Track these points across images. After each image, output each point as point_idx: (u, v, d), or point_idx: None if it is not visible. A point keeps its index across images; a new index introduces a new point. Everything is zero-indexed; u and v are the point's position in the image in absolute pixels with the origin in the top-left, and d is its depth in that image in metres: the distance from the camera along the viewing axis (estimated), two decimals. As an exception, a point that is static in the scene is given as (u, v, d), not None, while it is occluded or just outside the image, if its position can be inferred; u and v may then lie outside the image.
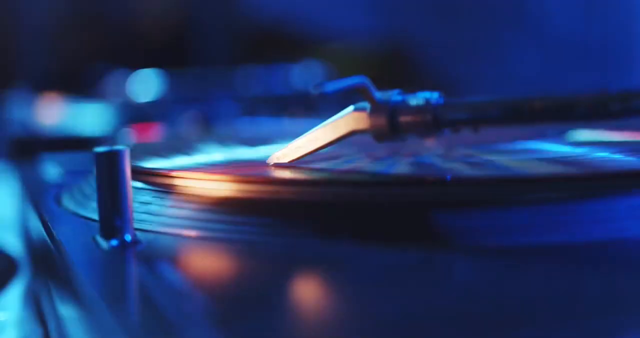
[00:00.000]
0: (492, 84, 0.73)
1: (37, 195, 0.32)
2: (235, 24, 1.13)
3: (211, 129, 0.58)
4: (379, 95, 0.26)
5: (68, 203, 0.29)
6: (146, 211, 0.25)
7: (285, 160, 0.27)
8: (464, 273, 0.19)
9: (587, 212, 0.22)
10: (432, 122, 0.26)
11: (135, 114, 0.63)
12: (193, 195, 0.25)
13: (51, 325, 0.25)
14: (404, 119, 0.26)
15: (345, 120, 0.27)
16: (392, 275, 0.19)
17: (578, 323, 0.15)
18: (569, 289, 0.17)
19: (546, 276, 0.18)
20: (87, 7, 1.14)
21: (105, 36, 1.12)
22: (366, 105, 0.26)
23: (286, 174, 0.26)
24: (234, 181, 0.24)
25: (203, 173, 0.25)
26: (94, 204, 0.23)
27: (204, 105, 0.66)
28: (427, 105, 0.26)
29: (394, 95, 0.26)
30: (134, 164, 0.23)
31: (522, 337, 0.15)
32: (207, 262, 0.21)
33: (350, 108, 0.27)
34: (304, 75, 0.84)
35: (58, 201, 0.30)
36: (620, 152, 0.28)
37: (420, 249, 0.21)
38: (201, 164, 0.30)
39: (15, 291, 0.33)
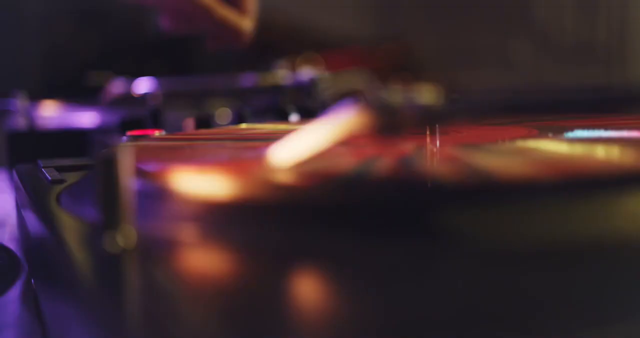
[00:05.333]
0: (490, 82, 0.74)
1: (37, 196, 0.32)
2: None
3: (211, 131, 0.58)
4: (378, 93, 0.26)
5: (67, 203, 0.29)
6: (145, 211, 0.25)
7: (284, 159, 0.27)
8: (463, 273, 0.19)
9: (586, 212, 0.22)
10: (431, 120, 0.26)
11: (135, 119, 0.63)
12: (192, 195, 0.25)
13: (51, 325, 0.25)
14: (402, 116, 0.26)
15: (344, 119, 0.27)
16: (392, 276, 0.19)
17: (578, 324, 0.15)
18: (569, 290, 0.17)
19: (546, 277, 0.18)
20: (88, 13, 1.14)
21: (107, 43, 1.12)
22: (365, 103, 0.26)
23: (285, 174, 0.26)
24: (234, 181, 0.24)
25: (203, 174, 0.25)
26: (94, 205, 0.23)
27: (205, 109, 0.66)
28: (426, 103, 0.26)
29: (393, 93, 0.26)
30: (134, 165, 0.23)
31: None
32: (206, 263, 0.21)
33: (349, 107, 0.27)
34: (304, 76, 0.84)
35: (58, 201, 0.30)
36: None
37: (420, 250, 0.21)
38: (201, 164, 0.30)
39: (15, 291, 0.33)
